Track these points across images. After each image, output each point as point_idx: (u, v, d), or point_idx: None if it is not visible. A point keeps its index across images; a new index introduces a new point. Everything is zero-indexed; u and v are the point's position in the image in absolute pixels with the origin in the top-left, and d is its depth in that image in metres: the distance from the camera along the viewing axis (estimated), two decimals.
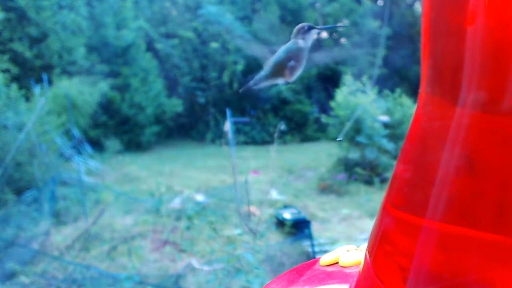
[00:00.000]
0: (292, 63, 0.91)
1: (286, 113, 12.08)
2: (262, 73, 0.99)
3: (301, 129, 12.19)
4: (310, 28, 0.87)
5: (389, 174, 6.41)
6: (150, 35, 11.74)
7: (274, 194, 5.60)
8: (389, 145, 6.18)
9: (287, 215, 4.25)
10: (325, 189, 6.06)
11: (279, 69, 0.93)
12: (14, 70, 7.28)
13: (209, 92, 12.10)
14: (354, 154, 6.51)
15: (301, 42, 0.88)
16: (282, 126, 10.66)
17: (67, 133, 6.12)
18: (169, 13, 13.10)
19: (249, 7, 13.20)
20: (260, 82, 1.01)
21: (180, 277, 3.06)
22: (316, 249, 3.68)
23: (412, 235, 0.24)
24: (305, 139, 11.86)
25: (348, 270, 0.37)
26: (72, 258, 3.54)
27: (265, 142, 10.78)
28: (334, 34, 13.57)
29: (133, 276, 2.75)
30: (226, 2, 12.61)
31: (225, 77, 11.93)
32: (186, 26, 12.07)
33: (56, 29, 8.85)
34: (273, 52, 0.94)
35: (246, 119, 11.92)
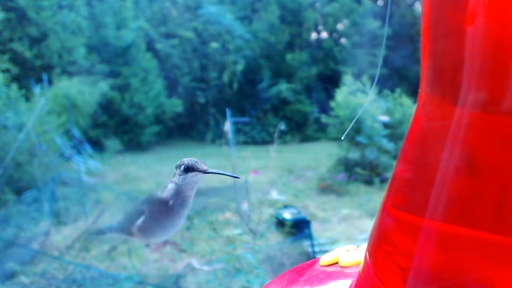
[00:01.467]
0: (142, 220, 0.65)
1: (286, 113, 12.09)
2: (114, 224, 0.75)
3: (301, 129, 12.19)
4: (187, 169, 0.62)
5: (389, 174, 6.38)
6: (150, 35, 11.75)
7: (274, 194, 5.60)
8: (389, 145, 6.18)
9: (287, 215, 4.25)
10: (325, 189, 6.06)
11: (127, 226, 0.68)
12: (14, 70, 7.28)
13: (209, 92, 12.10)
14: (354, 154, 6.51)
15: (166, 191, 0.64)
16: (282, 126, 10.65)
17: (67, 133, 6.12)
18: (169, 13, 13.10)
19: (249, 7, 13.20)
20: (110, 232, 0.77)
21: (180, 277, 3.06)
22: (316, 249, 3.68)
23: (412, 235, 0.24)
24: (305, 139, 11.87)
25: (348, 270, 0.37)
26: (72, 258, 3.54)
27: (265, 142, 10.79)
28: (334, 34, 13.58)
29: (133, 276, 2.75)
30: (226, 2, 12.61)
31: (225, 77, 11.93)
32: (186, 26, 12.08)
33: (56, 29, 8.85)
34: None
35: (246, 119, 11.92)
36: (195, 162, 0.62)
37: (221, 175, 0.60)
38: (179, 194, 0.63)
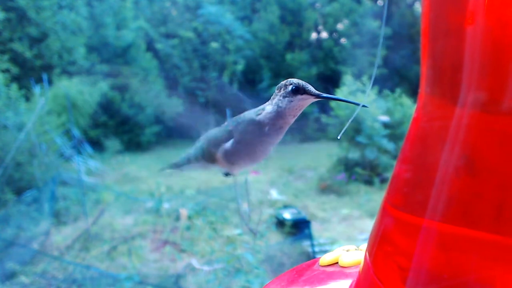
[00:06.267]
0: (231, 143, 0.55)
1: None
2: (192, 153, 0.62)
3: (301, 129, 12.18)
4: (296, 91, 0.52)
5: (389, 174, 6.38)
6: (150, 35, 11.75)
7: (274, 194, 5.60)
8: (389, 145, 6.18)
9: (287, 215, 4.25)
10: (325, 189, 6.05)
11: (210, 151, 0.58)
12: (14, 70, 7.29)
13: (209, 92, 12.10)
14: (354, 154, 6.51)
15: (264, 114, 0.54)
16: None
17: (67, 133, 6.11)
18: (169, 13, 13.10)
19: (249, 7, 13.20)
20: (184, 165, 0.65)
21: (180, 277, 3.06)
22: (316, 249, 3.68)
23: (412, 235, 0.24)
24: (305, 139, 11.85)
25: (348, 270, 0.37)
26: (72, 258, 3.54)
27: None
28: (334, 34, 13.58)
29: (133, 276, 2.75)
30: (226, 2, 12.61)
31: (225, 77, 11.94)
32: (186, 26, 12.08)
33: (56, 29, 8.86)
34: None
35: None
36: (306, 84, 0.52)
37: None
38: (278, 119, 0.54)
